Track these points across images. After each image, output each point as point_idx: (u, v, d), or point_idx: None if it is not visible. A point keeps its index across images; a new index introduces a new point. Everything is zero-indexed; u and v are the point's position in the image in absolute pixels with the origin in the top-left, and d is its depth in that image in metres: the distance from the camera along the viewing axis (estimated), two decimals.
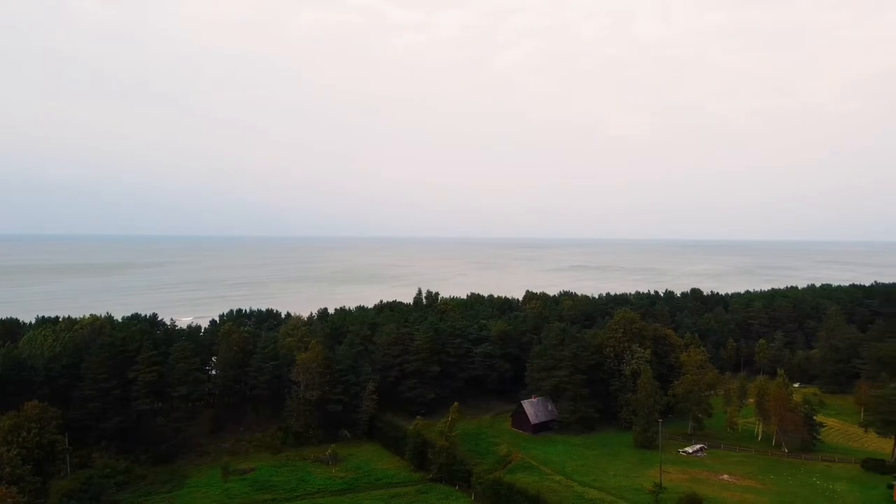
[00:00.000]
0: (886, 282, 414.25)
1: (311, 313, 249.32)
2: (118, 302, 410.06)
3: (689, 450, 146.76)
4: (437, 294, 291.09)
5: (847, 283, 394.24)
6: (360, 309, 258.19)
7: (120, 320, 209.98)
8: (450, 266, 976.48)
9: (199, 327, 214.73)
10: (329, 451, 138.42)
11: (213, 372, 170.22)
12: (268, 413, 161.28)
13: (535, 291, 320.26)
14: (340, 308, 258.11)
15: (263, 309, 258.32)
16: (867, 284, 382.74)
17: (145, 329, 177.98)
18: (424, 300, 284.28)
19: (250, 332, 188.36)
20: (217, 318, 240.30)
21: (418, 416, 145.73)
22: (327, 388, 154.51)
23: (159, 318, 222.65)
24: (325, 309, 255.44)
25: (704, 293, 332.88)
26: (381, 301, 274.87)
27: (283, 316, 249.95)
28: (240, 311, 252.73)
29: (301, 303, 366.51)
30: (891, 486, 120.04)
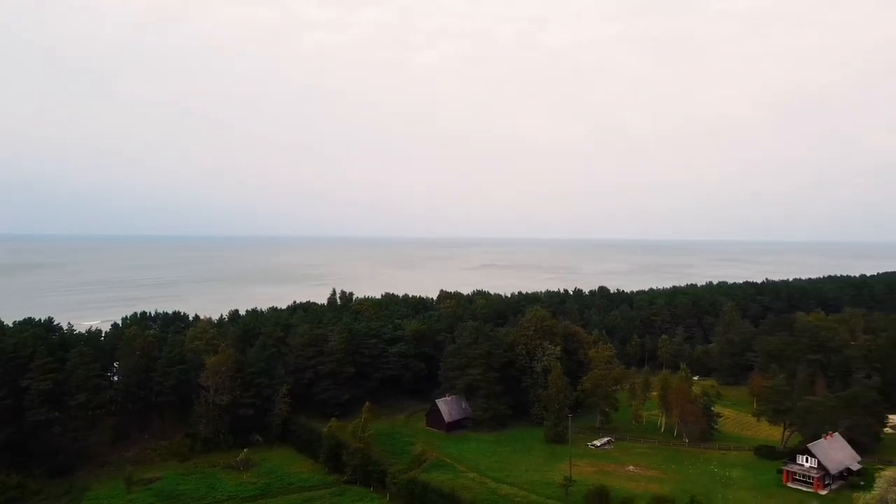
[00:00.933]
0: (776, 279, 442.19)
1: (222, 315, 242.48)
2: (11, 305, 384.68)
3: (598, 443, 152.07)
4: (351, 294, 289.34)
5: (741, 281, 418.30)
6: (273, 310, 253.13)
7: (11, 325, 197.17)
8: (365, 266, 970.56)
9: (99, 331, 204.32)
10: (240, 456, 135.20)
11: (116, 378, 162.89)
12: (175, 419, 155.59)
13: (449, 291, 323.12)
14: (252, 309, 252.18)
15: (170, 311, 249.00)
16: (759, 282, 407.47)
17: (39, 334, 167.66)
18: (339, 300, 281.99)
19: (156, 335, 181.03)
20: (120, 322, 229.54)
21: (333, 418, 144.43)
22: (238, 392, 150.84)
23: (55, 323, 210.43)
24: (237, 311, 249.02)
25: (611, 291, 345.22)
26: (295, 302, 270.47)
27: (191, 318, 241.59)
28: (144, 313, 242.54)
29: (211, 304, 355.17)
30: (780, 471, 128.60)
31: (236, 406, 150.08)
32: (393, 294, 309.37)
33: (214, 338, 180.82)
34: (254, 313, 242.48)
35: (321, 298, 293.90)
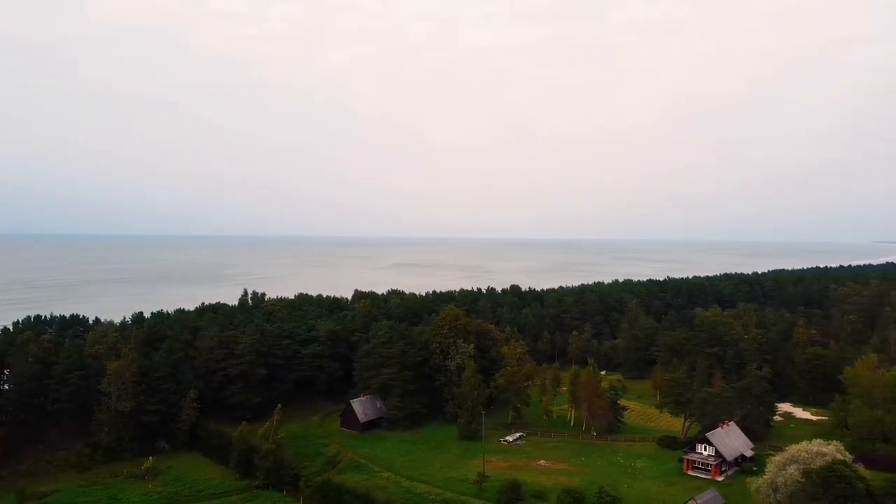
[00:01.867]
0: (677, 277, 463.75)
1: (125, 318, 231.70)
2: None
3: (510, 438, 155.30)
4: (263, 294, 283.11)
5: (645, 279, 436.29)
6: (180, 312, 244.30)
7: None
8: (278, 265, 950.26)
9: None
10: (145, 465, 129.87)
11: (6, 386, 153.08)
12: (74, 428, 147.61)
13: (364, 290, 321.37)
14: (158, 311, 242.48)
15: (67, 315, 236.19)
16: (661, 279, 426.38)
17: None
18: (250, 301, 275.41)
19: (52, 339, 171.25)
20: (10, 326, 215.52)
21: (244, 422, 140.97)
22: (143, 398, 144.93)
23: None
24: (141, 313, 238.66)
25: (523, 290, 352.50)
26: (204, 303, 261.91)
27: (90, 322, 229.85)
28: (39, 317, 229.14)
29: (114, 307, 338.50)
30: (681, 460, 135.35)
31: (141, 412, 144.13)
32: (307, 294, 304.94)
33: (117, 342, 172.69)
34: (160, 315, 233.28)
35: (232, 299, 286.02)
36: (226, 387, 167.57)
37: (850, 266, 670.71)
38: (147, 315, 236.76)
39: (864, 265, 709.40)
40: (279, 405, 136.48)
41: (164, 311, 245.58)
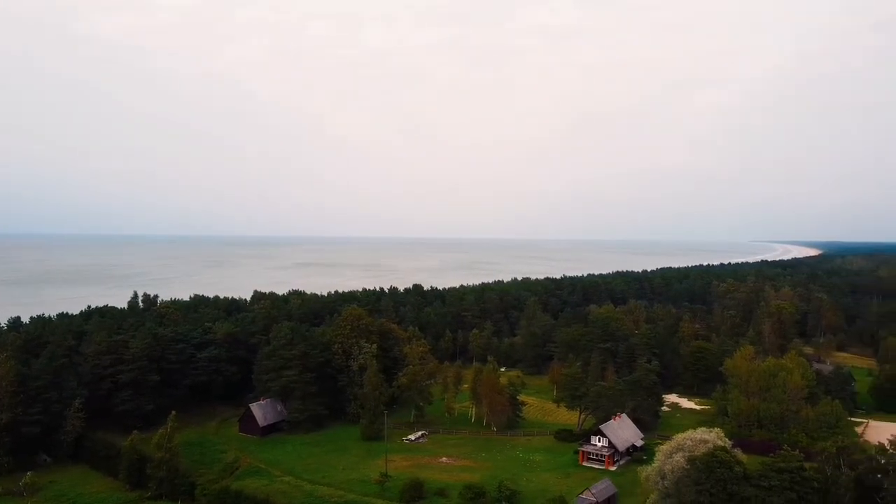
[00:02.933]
0: (573, 275, 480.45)
1: (0, 324, 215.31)
2: None
3: (412, 437, 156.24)
4: (156, 297, 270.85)
5: (542, 277, 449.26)
6: (63, 316, 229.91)
7: None
8: (172, 266, 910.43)
9: None
10: (23, 480, 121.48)
11: None
12: None
13: (264, 291, 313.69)
14: (38, 316, 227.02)
15: None
16: (558, 277, 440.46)
17: None
18: (141, 304, 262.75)
19: None
20: None
21: (135, 431, 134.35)
22: (20, 409, 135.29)
23: None
24: (18, 318, 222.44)
25: (425, 288, 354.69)
26: (90, 306, 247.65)
27: None
28: None
29: None
30: (577, 452, 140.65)
31: (19, 424, 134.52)
32: (202, 296, 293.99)
33: None
34: (40, 320, 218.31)
35: (121, 302, 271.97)
36: (115, 394, 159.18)
37: (730, 263, 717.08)
38: (26, 320, 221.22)
39: (742, 262, 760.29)
40: (173, 412, 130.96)
41: (46, 315, 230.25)
